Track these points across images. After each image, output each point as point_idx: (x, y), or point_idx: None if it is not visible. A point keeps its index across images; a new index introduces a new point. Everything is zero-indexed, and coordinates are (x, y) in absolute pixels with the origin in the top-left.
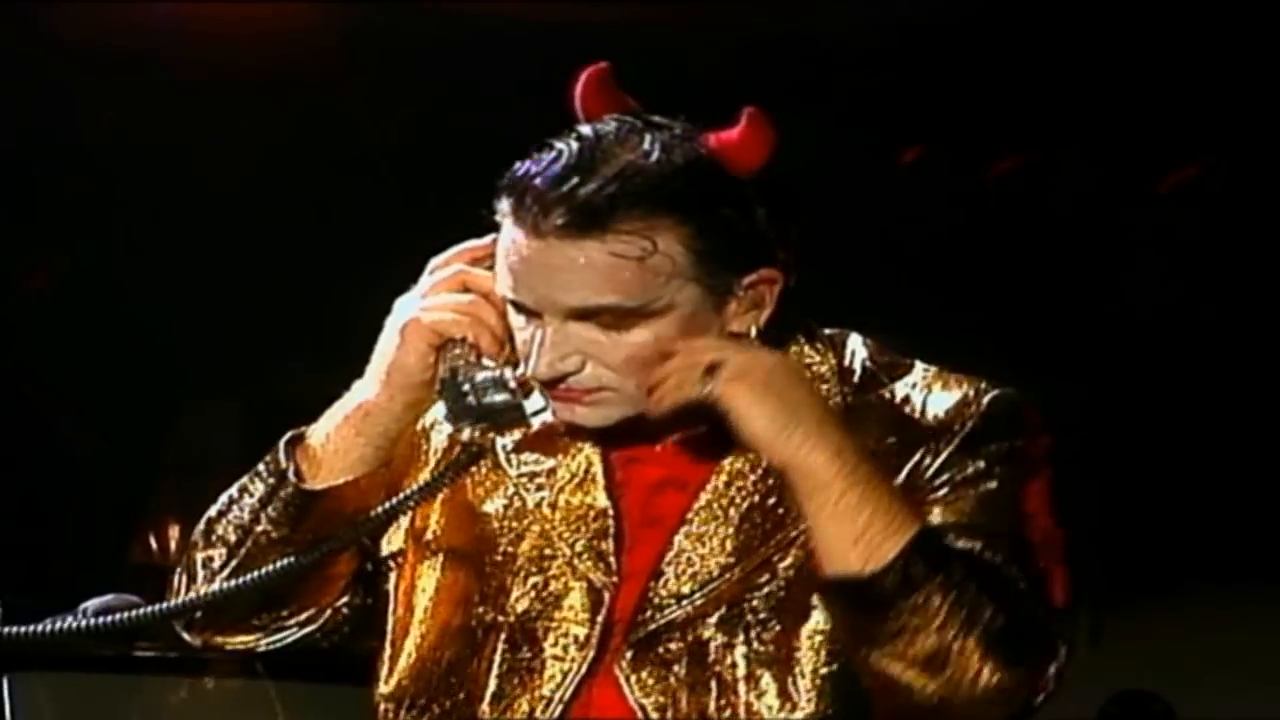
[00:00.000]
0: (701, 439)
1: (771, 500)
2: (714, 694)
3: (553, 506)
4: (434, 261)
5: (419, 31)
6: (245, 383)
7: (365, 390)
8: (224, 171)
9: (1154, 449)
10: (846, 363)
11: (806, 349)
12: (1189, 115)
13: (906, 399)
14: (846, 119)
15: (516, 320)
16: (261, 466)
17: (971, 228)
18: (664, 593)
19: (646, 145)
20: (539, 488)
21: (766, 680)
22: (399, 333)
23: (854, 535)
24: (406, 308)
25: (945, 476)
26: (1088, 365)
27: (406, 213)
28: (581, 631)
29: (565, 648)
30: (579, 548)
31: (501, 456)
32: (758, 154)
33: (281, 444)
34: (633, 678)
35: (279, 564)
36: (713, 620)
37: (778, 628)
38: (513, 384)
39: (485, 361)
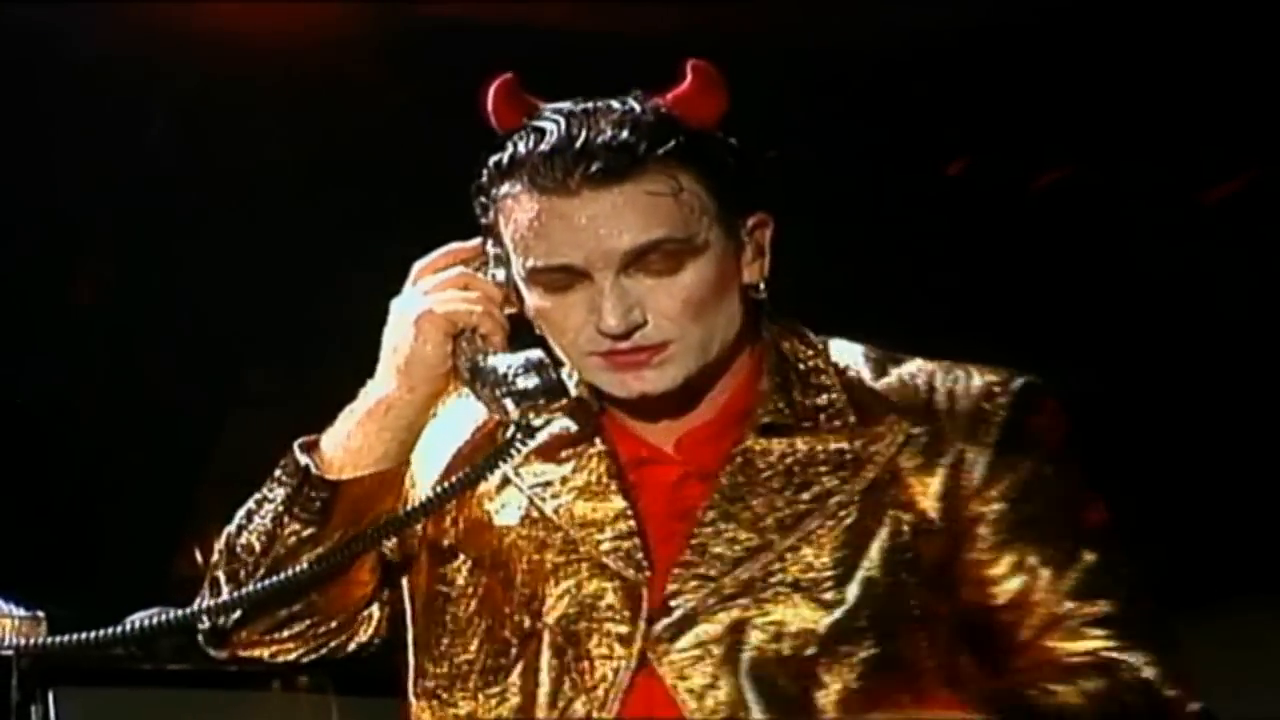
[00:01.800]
0: (713, 428)
1: (797, 476)
2: (751, 671)
3: (571, 513)
4: (420, 264)
5: (450, 41)
6: (291, 394)
7: (382, 386)
8: (268, 182)
9: (1202, 460)
10: (837, 358)
11: (799, 345)
12: (1235, 127)
13: (929, 386)
14: (890, 130)
15: (543, 301)
16: (277, 473)
17: (1016, 239)
18: (693, 579)
19: (626, 104)
20: (554, 496)
21: (800, 653)
22: (413, 325)
23: None
24: (411, 304)
25: (998, 478)
26: (1135, 378)
27: (452, 226)
28: (624, 629)
29: (610, 646)
30: (605, 549)
31: (510, 471)
32: (715, 104)
33: (295, 447)
34: (670, 663)
35: (314, 559)
36: (747, 600)
37: (814, 603)
38: (547, 362)
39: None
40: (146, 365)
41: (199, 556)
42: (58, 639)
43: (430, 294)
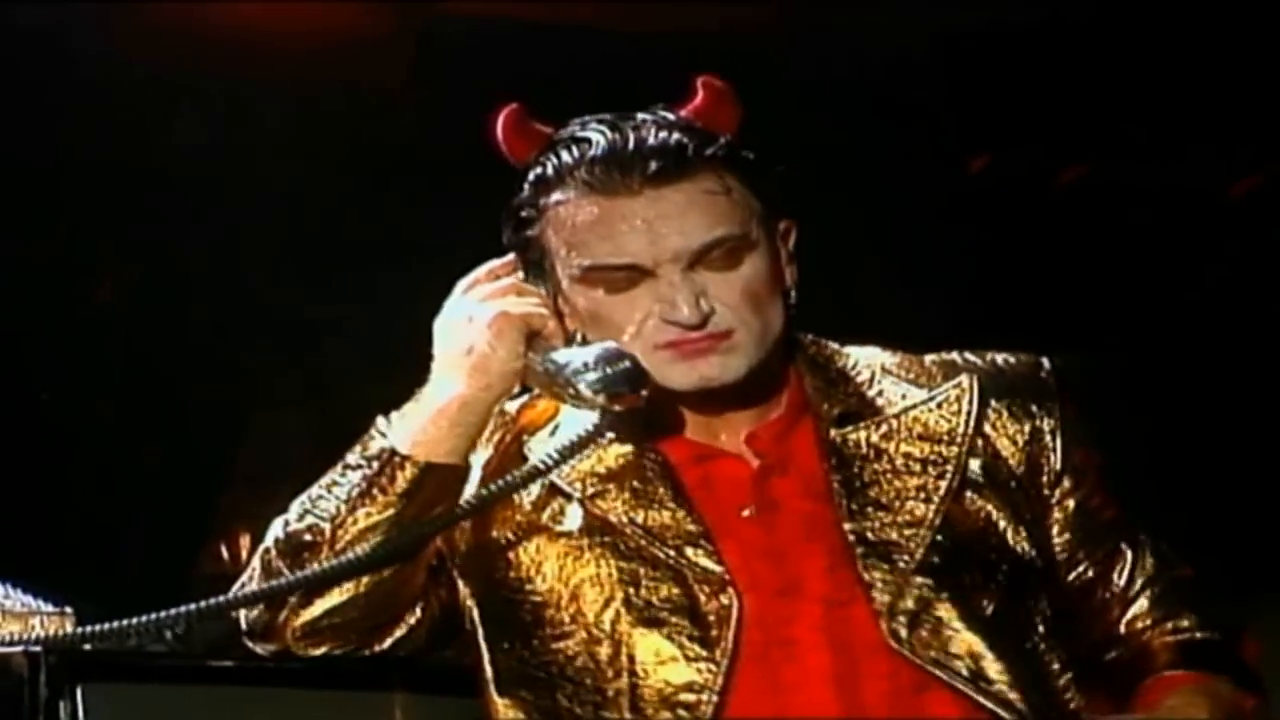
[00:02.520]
0: (783, 423)
1: (895, 458)
2: (978, 625)
3: (632, 519)
4: (464, 282)
5: (474, 40)
6: (315, 394)
7: (452, 386)
8: (290, 183)
9: (1227, 455)
10: (863, 359)
11: (822, 350)
12: (1257, 122)
13: (969, 361)
14: (913, 128)
15: (602, 301)
16: (350, 459)
17: (1039, 235)
18: (878, 573)
19: (659, 114)
20: (612, 502)
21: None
22: (488, 326)
23: None
24: (477, 308)
25: (1068, 463)
26: (1162, 374)
27: (480, 225)
28: (713, 632)
29: (697, 649)
30: (678, 554)
31: (561, 481)
32: (728, 119)
33: (376, 434)
34: (911, 646)
35: (382, 541)
36: (929, 579)
37: (984, 566)
38: (626, 351)
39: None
40: (170, 365)
41: (224, 554)
42: (88, 629)
43: (492, 299)
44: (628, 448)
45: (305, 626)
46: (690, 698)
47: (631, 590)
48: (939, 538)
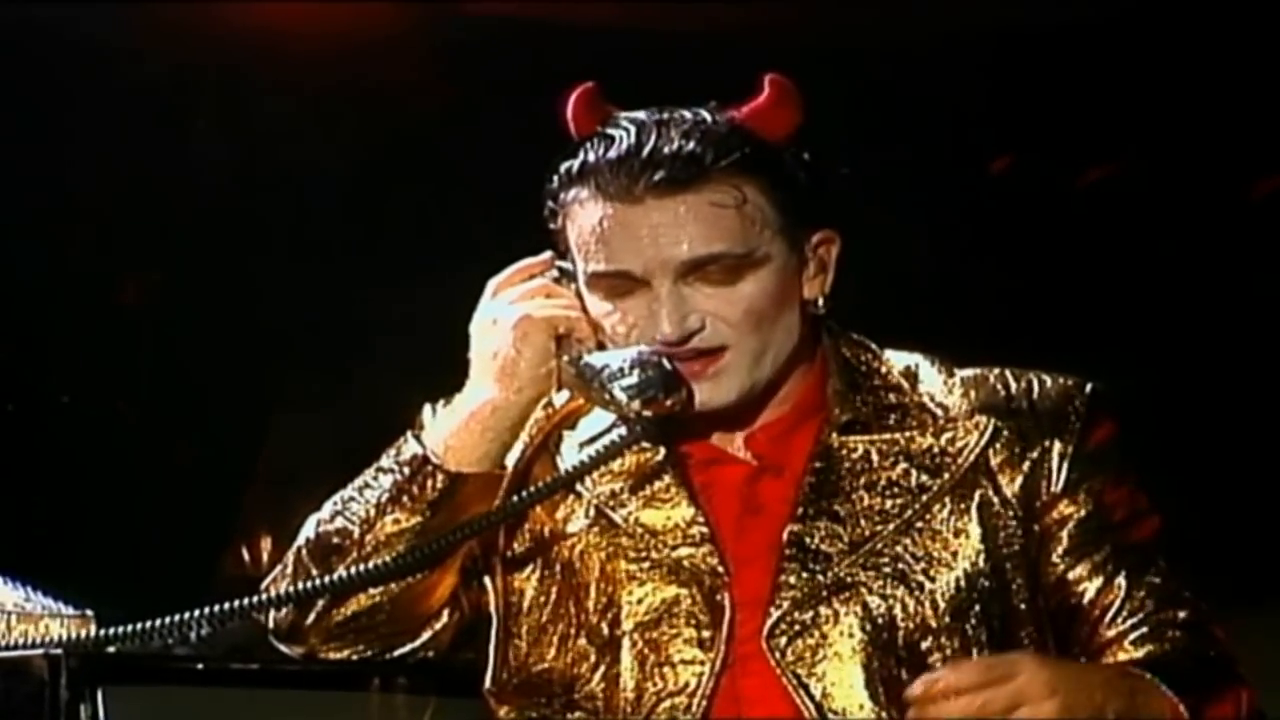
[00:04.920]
0: (784, 424)
1: (885, 472)
2: (861, 662)
3: (639, 520)
4: (496, 280)
5: (497, 41)
6: (338, 396)
7: (483, 391)
8: (313, 185)
9: (1243, 451)
10: (899, 363)
11: (859, 351)
12: (1277, 123)
13: (1005, 386)
14: (937, 128)
15: (602, 306)
16: (384, 462)
17: (1063, 235)
18: (795, 574)
19: (698, 115)
20: (621, 504)
21: (910, 634)
22: (513, 330)
23: None
24: (503, 311)
25: (1080, 482)
26: (1184, 372)
27: (494, 225)
28: (706, 633)
29: (693, 651)
30: (680, 554)
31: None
32: (790, 118)
33: (410, 439)
34: (779, 656)
35: (409, 548)
36: (849, 593)
37: (918, 593)
38: (659, 356)
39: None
40: (192, 367)
41: (246, 556)
42: (109, 631)
43: (519, 302)
44: (644, 451)
45: (332, 630)
46: (682, 701)
47: (632, 593)
48: (875, 560)
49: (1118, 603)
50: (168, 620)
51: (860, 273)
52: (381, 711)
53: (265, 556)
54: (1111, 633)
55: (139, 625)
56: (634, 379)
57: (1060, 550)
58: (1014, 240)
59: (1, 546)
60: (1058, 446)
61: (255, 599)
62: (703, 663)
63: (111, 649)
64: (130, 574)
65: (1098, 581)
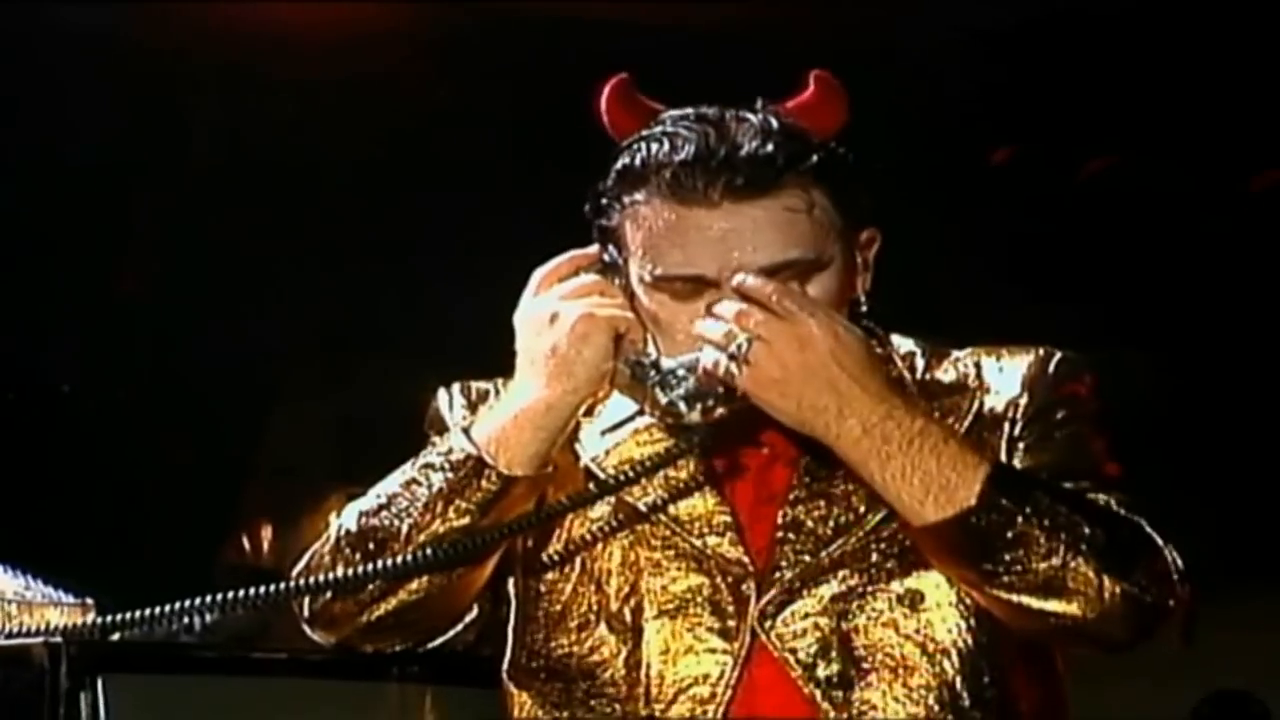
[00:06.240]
0: None
1: None
2: (862, 636)
3: (662, 510)
4: (543, 271)
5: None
6: (337, 386)
7: (536, 389)
8: (315, 176)
9: (1249, 438)
10: (900, 348)
11: (870, 339)
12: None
13: (978, 366)
14: (937, 121)
15: (664, 308)
16: (433, 460)
17: (1063, 227)
18: (790, 556)
19: (758, 117)
20: (645, 492)
21: (907, 618)
22: (572, 328)
23: (921, 494)
24: (561, 308)
25: (1030, 429)
26: (1185, 363)
27: (496, 218)
28: (731, 623)
29: (717, 639)
30: (705, 543)
31: (594, 468)
32: (836, 115)
33: (459, 435)
34: (778, 637)
35: (460, 540)
36: (845, 572)
37: (910, 569)
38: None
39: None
40: (192, 357)
41: (246, 545)
42: (108, 618)
43: (575, 298)
44: (664, 436)
45: (373, 622)
46: (705, 690)
47: (655, 580)
48: (868, 539)
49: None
50: (171, 607)
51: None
52: (385, 700)
53: (265, 545)
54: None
55: (141, 612)
56: (692, 386)
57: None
58: (1012, 229)
59: (1, 535)
60: (1025, 401)
61: (278, 587)
62: (726, 651)
63: (113, 637)
64: (130, 563)
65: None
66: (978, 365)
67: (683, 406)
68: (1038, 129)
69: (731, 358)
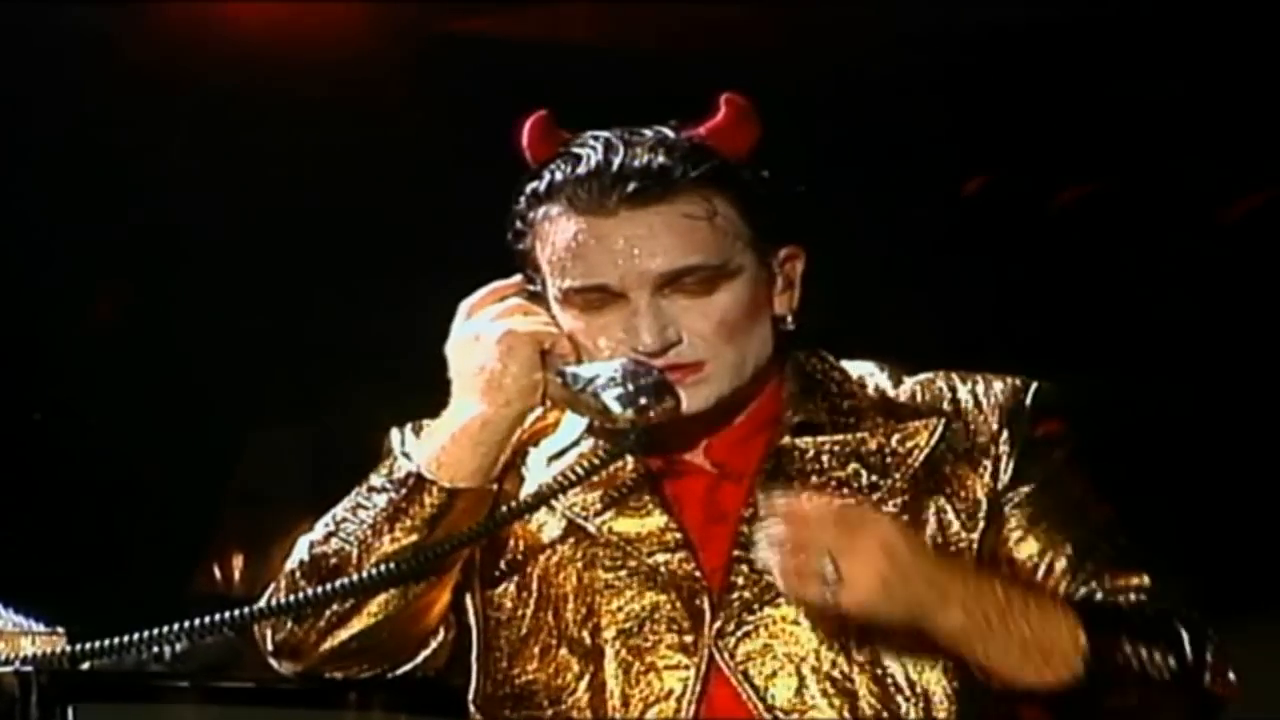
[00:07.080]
0: (741, 431)
1: (836, 473)
2: (813, 663)
3: (613, 529)
4: (469, 301)
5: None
6: (311, 412)
7: (470, 407)
8: (292, 199)
9: (1222, 476)
10: (854, 371)
11: (816, 361)
12: (1255, 143)
13: (952, 388)
14: (907, 150)
15: (578, 322)
16: (377, 481)
17: (1036, 257)
18: (745, 576)
19: (662, 132)
20: (595, 514)
21: (859, 648)
22: (497, 345)
23: (1019, 662)
24: (485, 328)
25: (1015, 473)
26: (1156, 395)
27: (474, 243)
28: (688, 638)
29: (676, 656)
30: (657, 561)
31: (539, 487)
32: (747, 137)
33: (400, 458)
34: (731, 658)
35: (409, 556)
36: None
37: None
38: (646, 365)
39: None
40: (166, 383)
41: (218, 575)
42: (79, 647)
43: (500, 318)
44: (615, 467)
45: (337, 648)
46: (670, 706)
47: (612, 601)
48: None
49: (1069, 571)
50: (141, 635)
51: (823, 290)
52: None
53: (237, 575)
54: (1058, 578)
55: (112, 641)
56: (626, 388)
57: (1008, 530)
58: (983, 261)
59: None
60: (1006, 442)
61: (237, 613)
62: (687, 667)
63: (83, 666)
64: (102, 592)
65: (1046, 558)
66: (953, 390)
67: (616, 408)
68: (1010, 158)
69: (825, 583)
